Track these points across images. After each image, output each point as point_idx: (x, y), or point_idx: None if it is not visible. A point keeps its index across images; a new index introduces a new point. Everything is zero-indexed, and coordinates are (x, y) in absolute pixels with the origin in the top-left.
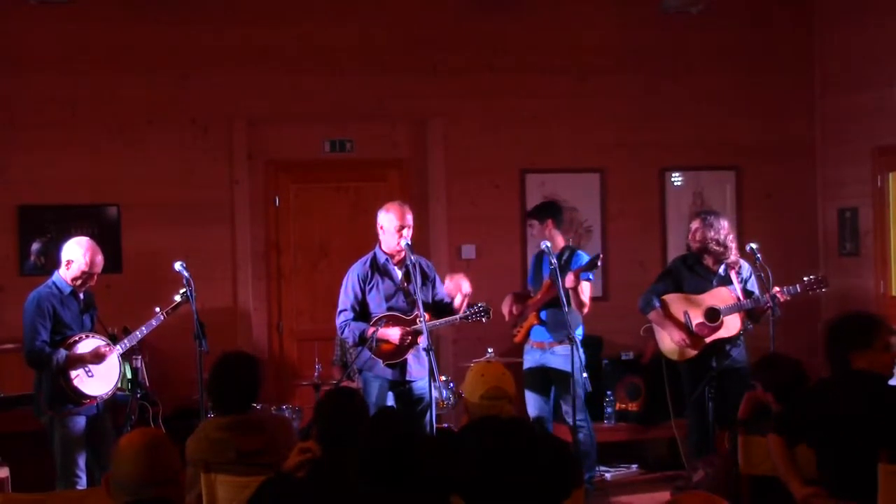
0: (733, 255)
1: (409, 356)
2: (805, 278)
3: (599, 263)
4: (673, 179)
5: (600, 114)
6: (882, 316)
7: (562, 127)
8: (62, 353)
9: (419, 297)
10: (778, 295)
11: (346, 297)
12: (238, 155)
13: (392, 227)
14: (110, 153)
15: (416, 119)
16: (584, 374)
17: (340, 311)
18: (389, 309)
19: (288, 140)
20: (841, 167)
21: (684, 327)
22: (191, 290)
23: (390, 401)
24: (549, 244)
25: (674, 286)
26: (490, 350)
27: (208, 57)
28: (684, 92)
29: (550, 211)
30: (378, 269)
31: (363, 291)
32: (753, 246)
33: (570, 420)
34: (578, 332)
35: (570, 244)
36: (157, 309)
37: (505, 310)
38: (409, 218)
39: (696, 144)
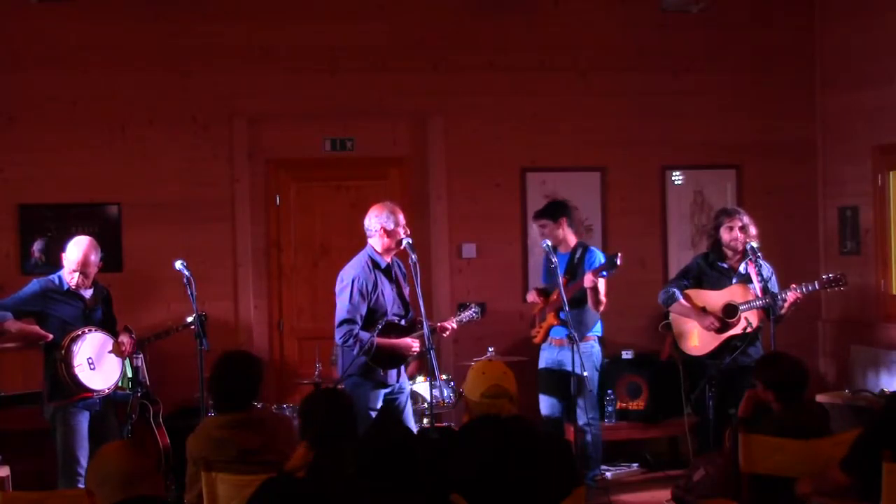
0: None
1: None
2: (823, 276)
3: (619, 262)
4: (674, 178)
5: (601, 112)
6: None
7: (562, 125)
8: (8, 314)
9: (420, 297)
10: (794, 292)
11: (352, 306)
12: (239, 153)
13: (397, 227)
14: (111, 152)
15: (416, 117)
16: (585, 374)
17: (343, 322)
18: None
19: (288, 138)
20: (841, 166)
21: (713, 313)
22: (192, 290)
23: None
24: (549, 243)
25: (694, 282)
26: (491, 349)
27: (209, 55)
28: (685, 90)
29: (563, 209)
30: (383, 272)
31: (370, 300)
32: (754, 245)
33: (580, 419)
34: (597, 329)
35: (583, 241)
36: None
37: (531, 298)
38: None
39: (696, 143)
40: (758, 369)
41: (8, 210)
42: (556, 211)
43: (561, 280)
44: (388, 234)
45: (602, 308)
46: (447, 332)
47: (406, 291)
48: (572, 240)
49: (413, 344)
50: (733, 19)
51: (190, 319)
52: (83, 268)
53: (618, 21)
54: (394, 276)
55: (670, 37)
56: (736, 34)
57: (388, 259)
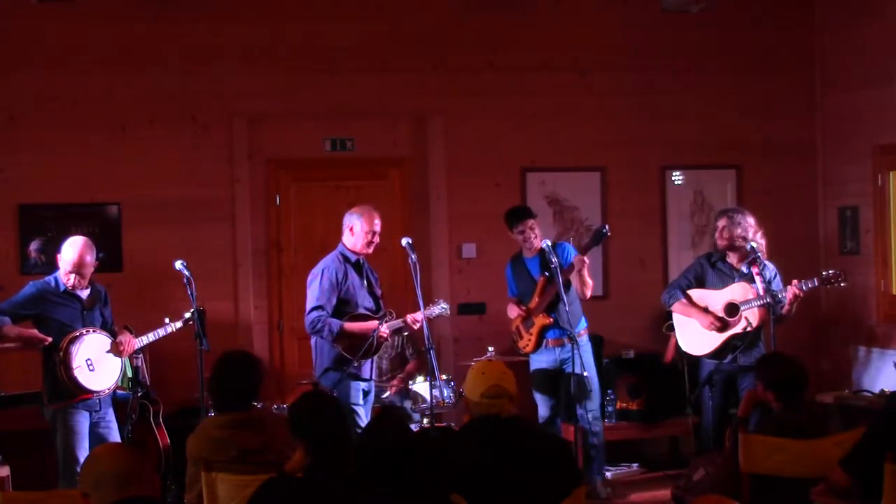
0: (763, 253)
1: None
2: (823, 272)
3: (607, 233)
4: (674, 178)
5: (601, 112)
6: None
7: (562, 125)
8: (6, 319)
9: (420, 295)
10: (794, 289)
11: (321, 293)
12: (238, 153)
13: (362, 231)
14: (110, 152)
15: (416, 117)
16: (586, 374)
17: (313, 308)
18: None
19: (288, 138)
20: (841, 166)
21: (712, 312)
22: (192, 290)
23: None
24: (549, 243)
25: (697, 282)
26: (491, 349)
27: (209, 55)
28: (685, 90)
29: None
30: (352, 266)
31: (340, 290)
32: (754, 245)
33: (586, 421)
34: (583, 323)
35: (548, 240)
36: (167, 320)
37: (513, 314)
38: (378, 224)
39: (696, 143)
40: (757, 369)
41: (8, 210)
42: (530, 210)
43: (559, 278)
44: (353, 233)
45: (590, 291)
46: (417, 325)
47: (379, 293)
48: (540, 241)
49: (380, 325)
50: (733, 19)
51: (188, 315)
52: (79, 268)
53: (618, 21)
54: (364, 273)
55: (670, 37)
56: (736, 34)
57: (358, 255)
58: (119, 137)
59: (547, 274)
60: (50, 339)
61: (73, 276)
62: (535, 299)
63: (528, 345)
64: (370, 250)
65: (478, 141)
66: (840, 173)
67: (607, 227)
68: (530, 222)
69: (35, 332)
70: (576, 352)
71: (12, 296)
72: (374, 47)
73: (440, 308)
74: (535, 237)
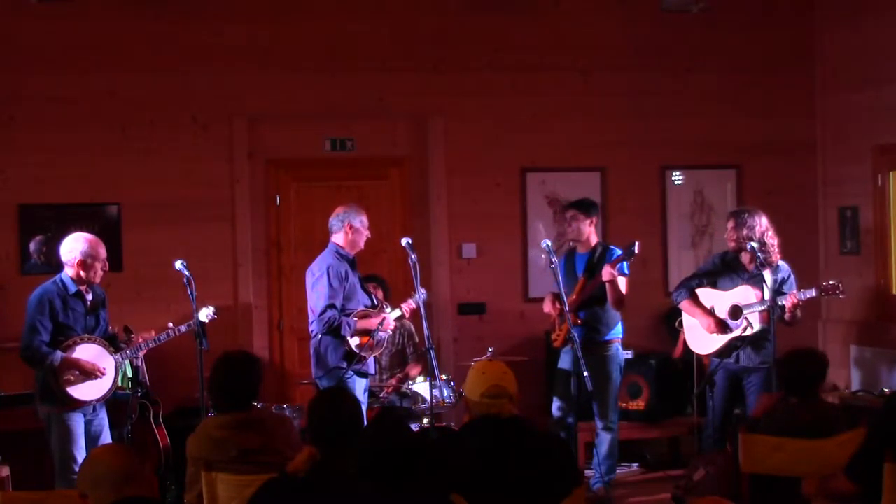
0: (773, 253)
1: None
2: (823, 283)
3: (636, 251)
4: (674, 178)
5: (601, 112)
6: None
7: (563, 125)
8: (58, 355)
9: (419, 291)
10: (792, 297)
11: (332, 291)
12: (239, 153)
13: (362, 227)
14: (110, 152)
15: (416, 117)
16: (586, 374)
17: (327, 307)
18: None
19: (289, 138)
20: (842, 166)
21: (714, 315)
22: (192, 290)
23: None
24: (549, 243)
25: (708, 281)
26: (491, 349)
27: (209, 55)
28: (685, 90)
29: (596, 208)
30: (349, 264)
31: (345, 287)
32: (754, 245)
33: (599, 422)
34: (618, 331)
35: (603, 242)
36: (171, 324)
37: (547, 308)
38: None
39: (696, 143)
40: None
41: (8, 210)
42: (589, 207)
43: (562, 283)
44: (354, 231)
45: (623, 307)
46: (408, 314)
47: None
48: (594, 240)
49: (384, 318)
50: (733, 19)
51: (205, 318)
52: (98, 259)
53: (618, 21)
54: (356, 271)
55: (670, 37)
56: (736, 34)
57: (352, 253)
58: (119, 137)
59: (587, 274)
60: (105, 370)
61: (94, 262)
62: (573, 297)
63: (556, 339)
64: (361, 247)
65: (478, 141)
66: (840, 173)
67: (637, 244)
68: (571, 212)
69: (94, 364)
70: (576, 351)
71: (30, 312)
72: (374, 47)
73: (417, 297)
74: (572, 230)
